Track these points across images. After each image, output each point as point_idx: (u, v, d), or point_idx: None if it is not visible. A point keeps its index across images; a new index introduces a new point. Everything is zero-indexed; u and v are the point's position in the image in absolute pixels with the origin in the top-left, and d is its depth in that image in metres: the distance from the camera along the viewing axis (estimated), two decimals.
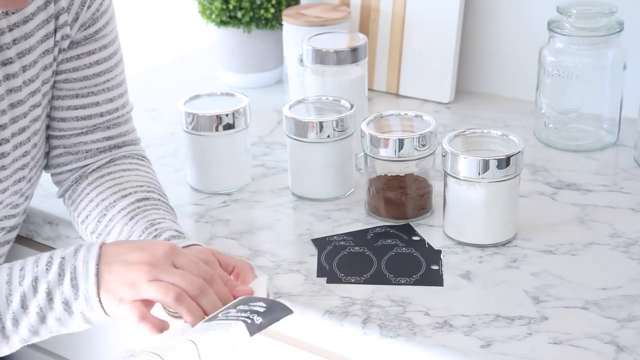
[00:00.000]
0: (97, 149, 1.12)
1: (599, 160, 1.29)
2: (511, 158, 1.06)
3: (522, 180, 1.13)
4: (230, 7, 1.53)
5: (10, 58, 1.01)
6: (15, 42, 1.01)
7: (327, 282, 1.05)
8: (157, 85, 1.62)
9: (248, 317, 0.87)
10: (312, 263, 1.09)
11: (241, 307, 0.89)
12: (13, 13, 1.00)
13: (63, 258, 0.91)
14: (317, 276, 1.06)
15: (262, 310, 0.87)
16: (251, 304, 0.89)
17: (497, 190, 1.07)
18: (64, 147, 1.11)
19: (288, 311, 0.88)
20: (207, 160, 1.24)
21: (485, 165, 1.06)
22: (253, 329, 0.86)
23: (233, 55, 1.58)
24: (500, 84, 1.51)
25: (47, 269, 0.91)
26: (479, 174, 1.06)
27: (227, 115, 1.21)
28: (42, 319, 0.91)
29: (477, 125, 1.39)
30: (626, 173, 1.26)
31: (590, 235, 1.12)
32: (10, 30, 1.01)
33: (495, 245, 1.10)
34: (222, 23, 1.55)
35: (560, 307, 0.99)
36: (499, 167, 1.06)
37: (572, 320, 0.97)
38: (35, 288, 0.91)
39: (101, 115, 1.10)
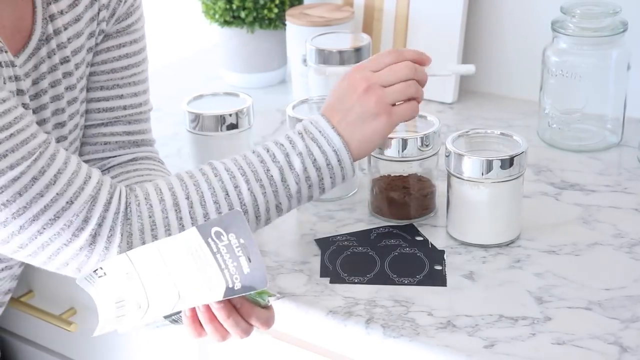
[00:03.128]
0: (116, 142, 1.12)
1: (602, 161, 1.29)
2: (515, 158, 1.06)
3: (525, 181, 1.13)
4: (234, 7, 1.53)
5: (67, 57, 1.04)
6: (69, 40, 1.04)
7: (330, 282, 1.05)
8: (160, 85, 1.62)
9: (231, 278, 0.85)
10: (316, 263, 1.09)
11: (234, 241, 0.85)
12: (66, 13, 1.03)
13: (301, 133, 0.99)
14: (321, 276, 1.06)
15: (246, 272, 0.85)
16: (237, 249, 0.86)
17: (501, 190, 1.07)
18: (83, 137, 1.12)
19: (263, 284, 0.85)
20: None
21: (489, 166, 1.06)
22: (228, 294, 0.85)
23: (236, 55, 1.58)
24: (504, 84, 1.51)
25: (292, 146, 0.98)
26: (482, 174, 1.06)
27: (230, 115, 1.21)
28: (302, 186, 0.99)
29: (481, 126, 1.39)
30: (630, 173, 1.26)
31: (594, 235, 1.12)
32: (65, 29, 1.04)
33: (498, 246, 1.10)
34: (226, 23, 1.55)
35: (563, 308, 0.99)
36: (502, 167, 1.06)
37: (575, 321, 0.97)
38: (290, 163, 0.98)
39: (124, 108, 1.11)
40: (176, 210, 0.96)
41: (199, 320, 0.90)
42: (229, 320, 0.89)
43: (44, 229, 0.91)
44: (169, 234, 0.95)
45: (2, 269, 1.10)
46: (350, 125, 0.99)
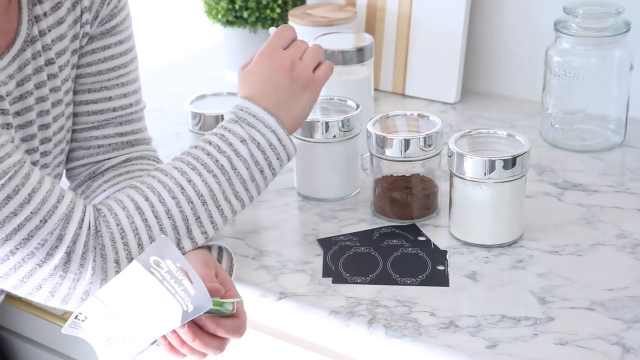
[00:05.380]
0: (110, 144, 1.12)
1: (605, 161, 1.29)
2: (517, 158, 1.06)
3: (528, 181, 1.13)
4: (236, 7, 1.53)
5: (52, 58, 1.04)
6: (53, 42, 1.04)
7: (332, 282, 1.05)
8: (162, 85, 1.62)
9: (183, 301, 0.86)
10: (318, 263, 1.09)
11: (172, 266, 0.87)
12: (49, 15, 1.03)
13: (237, 122, 1.02)
14: (323, 276, 1.06)
15: (192, 293, 0.86)
16: (177, 274, 0.87)
17: (503, 190, 1.07)
18: (76, 142, 1.12)
19: (208, 304, 0.86)
20: None
21: (492, 166, 1.06)
22: (185, 318, 0.86)
23: (239, 55, 1.58)
24: (507, 84, 1.51)
25: (233, 134, 1.01)
26: (485, 174, 1.06)
27: None
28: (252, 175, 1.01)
29: (483, 126, 1.39)
30: (632, 174, 1.26)
31: (597, 235, 1.11)
32: (49, 31, 1.03)
33: (501, 246, 1.10)
34: (228, 23, 1.55)
35: (566, 308, 0.99)
36: (505, 167, 1.06)
37: (578, 321, 0.96)
38: (235, 151, 1.00)
39: (114, 110, 1.11)
40: (140, 213, 0.96)
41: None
42: (197, 342, 0.90)
43: (17, 248, 0.90)
44: (139, 238, 0.95)
45: None
46: (284, 103, 1.03)
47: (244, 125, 1.01)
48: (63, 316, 1.25)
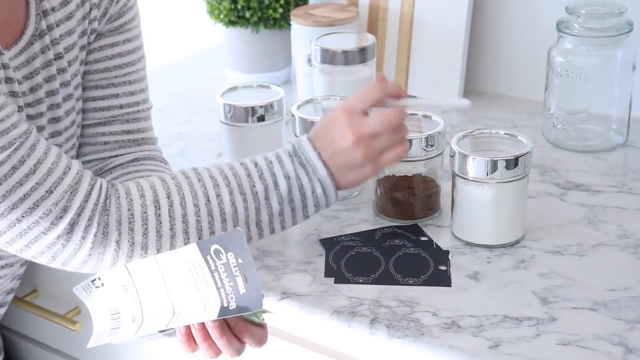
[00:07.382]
0: (116, 142, 1.12)
1: (607, 161, 1.29)
2: (519, 159, 1.06)
3: (530, 181, 1.13)
4: (239, 7, 1.53)
5: (60, 53, 1.05)
6: (61, 37, 1.05)
7: (334, 282, 1.05)
8: (165, 84, 1.62)
9: (227, 297, 0.86)
10: (320, 263, 1.09)
11: (233, 260, 0.86)
12: (58, 10, 1.04)
13: (291, 156, 1.00)
14: (325, 276, 1.06)
15: (242, 292, 0.85)
16: (234, 269, 0.86)
17: (506, 190, 1.07)
18: (82, 137, 1.12)
19: (259, 306, 0.86)
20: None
21: (494, 166, 1.06)
22: (223, 313, 0.86)
23: (241, 55, 1.58)
24: (509, 84, 1.51)
25: (280, 166, 1.00)
26: (487, 174, 1.06)
27: (261, 107, 1.20)
28: (281, 209, 1.00)
29: (486, 126, 1.39)
30: (635, 174, 1.26)
31: (599, 236, 1.11)
32: (58, 26, 1.04)
33: (503, 246, 1.09)
34: (230, 23, 1.55)
35: (568, 308, 0.99)
36: (507, 167, 1.06)
37: (580, 322, 0.96)
38: (275, 182, 0.99)
39: (120, 107, 1.12)
40: (156, 207, 0.97)
41: (193, 337, 0.91)
42: (222, 340, 0.90)
43: (23, 217, 0.92)
44: (146, 229, 0.96)
45: (3, 267, 1.10)
46: (336, 167, 1.01)
47: (295, 162, 1.00)
48: (65, 316, 1.25)
